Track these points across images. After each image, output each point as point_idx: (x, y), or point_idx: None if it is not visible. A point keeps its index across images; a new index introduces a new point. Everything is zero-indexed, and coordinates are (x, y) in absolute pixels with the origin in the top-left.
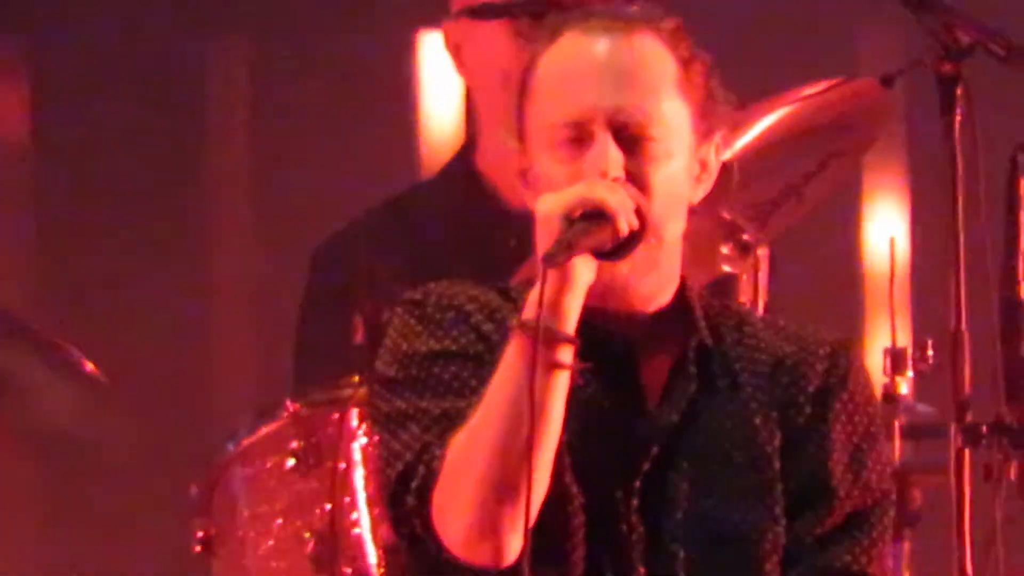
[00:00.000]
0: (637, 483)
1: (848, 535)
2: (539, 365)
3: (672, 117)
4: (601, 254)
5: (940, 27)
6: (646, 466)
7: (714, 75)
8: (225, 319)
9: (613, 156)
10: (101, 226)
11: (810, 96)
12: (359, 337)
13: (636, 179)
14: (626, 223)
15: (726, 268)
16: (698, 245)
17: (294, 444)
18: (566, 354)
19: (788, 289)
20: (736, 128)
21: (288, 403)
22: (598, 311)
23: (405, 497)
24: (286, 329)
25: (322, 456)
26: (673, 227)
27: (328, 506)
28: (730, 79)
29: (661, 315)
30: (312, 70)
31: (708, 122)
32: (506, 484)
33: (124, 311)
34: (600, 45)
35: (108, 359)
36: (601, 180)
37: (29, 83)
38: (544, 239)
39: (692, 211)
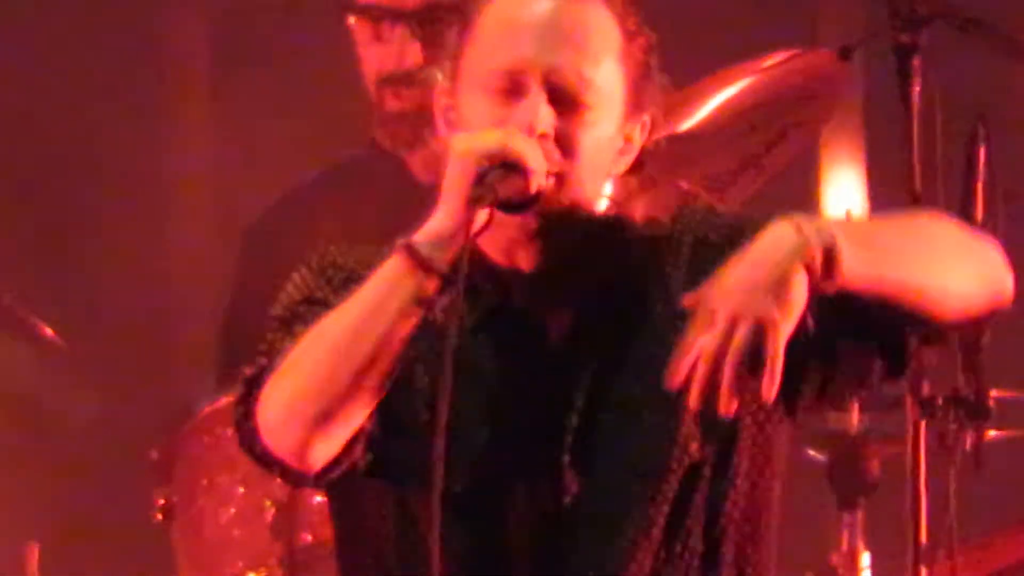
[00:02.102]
0: (568, 439)
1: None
2: (407, 289)
3: (607, 86)
4: (503, 205)
5: None
6: (574, 421)
7: (654, 56)
8: (185, 284)
9: (543, 112)
10: (59, 193)
11: (769, 67)
12: None
13: (563, 140)
14: (536, 184)
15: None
16: (656, 214)
17: None
18: (432, 286)
19: None
20: (669, 111)
21: (247, 370)
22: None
23: (242, 390)
24: (243, 292)
25: None
26: (592, 193)
27: None
28: (689, 50)
29: (555, 255)
30: (267, 45)
31: (640, 99)
32: (329, 387)
33: (83, 275)
34: (549, 1)
35: (67, 324)
36: (523, 134)
37: None
38: (457, 175)
39: (651, 182)
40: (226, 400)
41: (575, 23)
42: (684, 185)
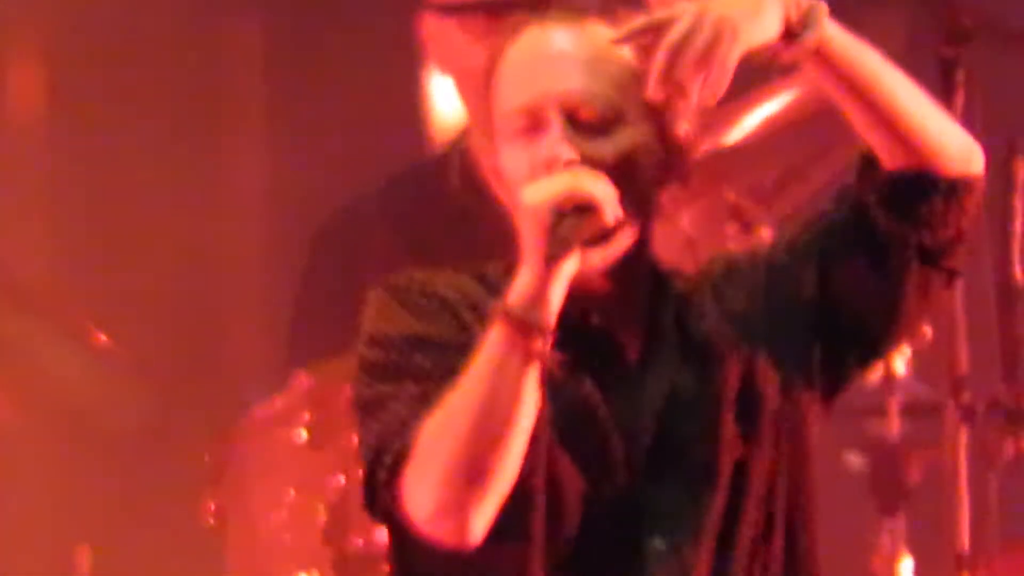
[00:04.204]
0: (643, 455)
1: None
2: (518, 354)
3: (628, 98)
4: (587, 243)
5: (943, 10)
6: (647, 440)
7: None
8: (237, 288)
9: (564, 140)
10: (113, 199)
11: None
12: None
13: (593, 163)
14: (612, 215)
15: (730, 248)
16: (702, 225)
17: (306, 417)
18: (543, 344)
19: None
20: (713, 123)
21: (300, 376)
22: (568, 294)
23: (378, 472)
24: (299, 297)
25: (335, 429)
26: (640, 205)
27: (342, 478)
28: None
29: (625, 279)
30: (324, 42)
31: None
32: (475, 466)
33: (136, 283)
34: (553, 36)
35: (120, 330)
36: (585, 171)
37: (44, 56)
38: (534, 231)
39: (697, 194)
40: (278, 403)
41: (581, 48)
42: (730, 197)
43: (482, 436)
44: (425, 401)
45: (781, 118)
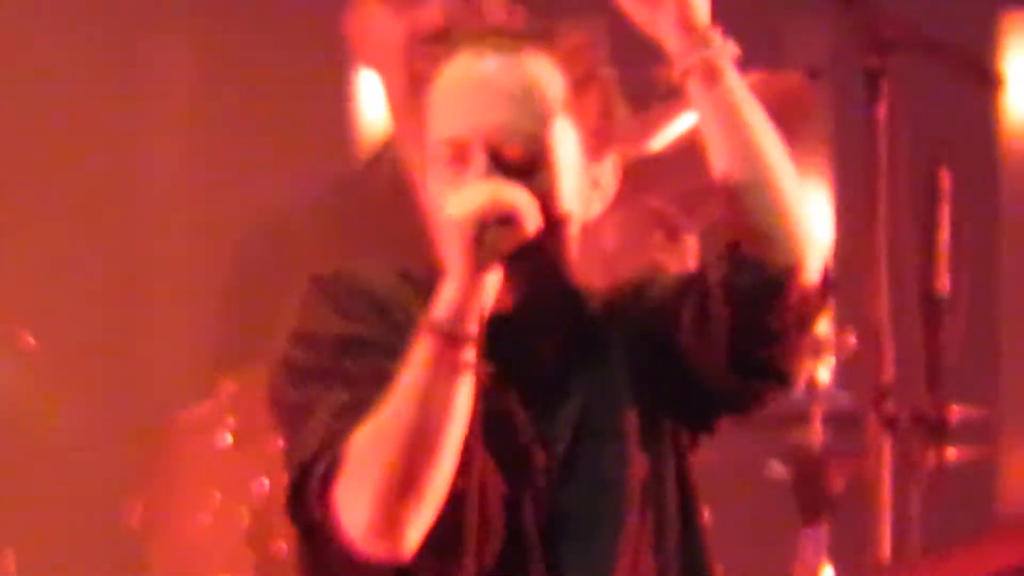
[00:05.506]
0: (555, 465)
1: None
2: (447, 367)
3: (556, 138)
4: (507, 255)
5: (867, 21)
6: (560, 449)
7: (613, 94)
8: (164, 293)
9: (486, 178)
10: (40, 201)
11: None
12: None
13: None
14: (533, 227)
15: (655, 257)
16: (627, 233)
17: (231, 421)
18: (471, 355)
19: None
20: (638, 131)
21: (225, 381)
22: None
23: (308, 484)
24: (225, 304)
25: (259, 434)
26: (558, 242)
27: (266, 482)
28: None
29: (537, 294)
30: (254, 46)
31: (601, 142)
32: (408, 482)
33: (63, 286)
34: (486, 65)
35: (44, 332)
36: (504, 182)
37: None
38: (458, 243)
39: (621, 201)
40: (203, 407)
41: (513, 82)
42: (655, 204)
43: (414, 452)
44: (356, 409)
45: None
